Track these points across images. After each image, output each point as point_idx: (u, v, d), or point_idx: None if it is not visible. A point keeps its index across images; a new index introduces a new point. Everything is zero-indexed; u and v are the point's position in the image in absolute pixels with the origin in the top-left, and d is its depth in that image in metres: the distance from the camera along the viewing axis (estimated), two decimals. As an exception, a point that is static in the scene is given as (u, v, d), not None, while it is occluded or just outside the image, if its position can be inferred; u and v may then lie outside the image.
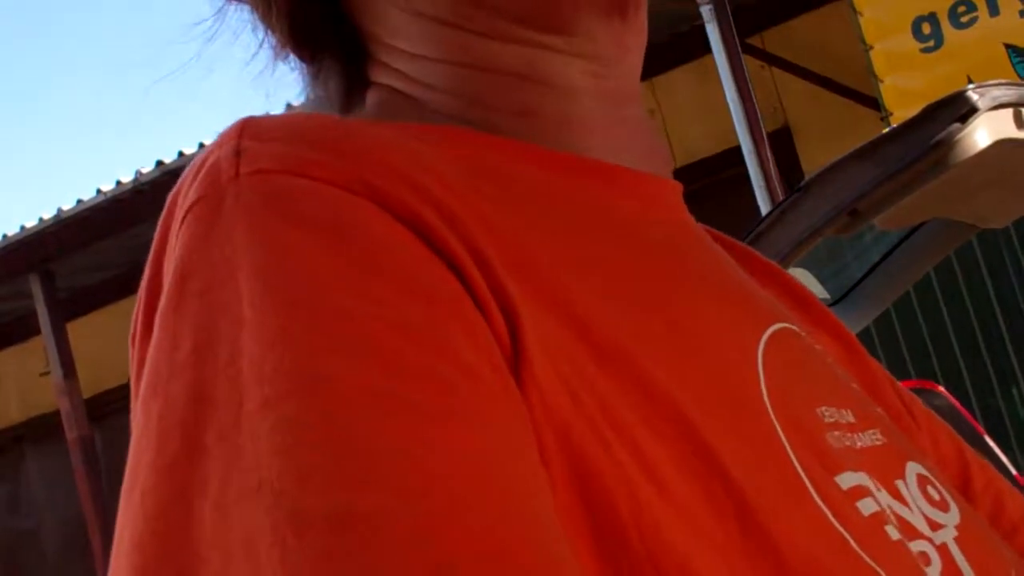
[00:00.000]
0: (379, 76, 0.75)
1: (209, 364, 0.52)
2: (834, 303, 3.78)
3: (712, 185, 8.23)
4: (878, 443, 0.71)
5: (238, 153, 0.58)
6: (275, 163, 0.57)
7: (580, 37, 0.72)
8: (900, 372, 7.82)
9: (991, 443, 3.69)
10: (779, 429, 0.63)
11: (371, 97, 0.76)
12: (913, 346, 8.27)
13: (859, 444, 0.69)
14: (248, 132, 0.59)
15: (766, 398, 0.63)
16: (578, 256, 0.63)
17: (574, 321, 0.58)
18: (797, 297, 0.86)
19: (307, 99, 0.81)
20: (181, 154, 8.00)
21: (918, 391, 3.67)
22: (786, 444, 0.62)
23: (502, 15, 0.70)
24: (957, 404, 3.73)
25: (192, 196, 0.58)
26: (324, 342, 0.51)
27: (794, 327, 0.73)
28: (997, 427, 8.01)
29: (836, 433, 0.67)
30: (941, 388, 3.81)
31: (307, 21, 0.75)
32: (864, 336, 7.73)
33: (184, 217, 0.57)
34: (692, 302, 0.67)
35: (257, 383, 0.51)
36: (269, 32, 0.76)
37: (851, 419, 0.70)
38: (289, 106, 0.93)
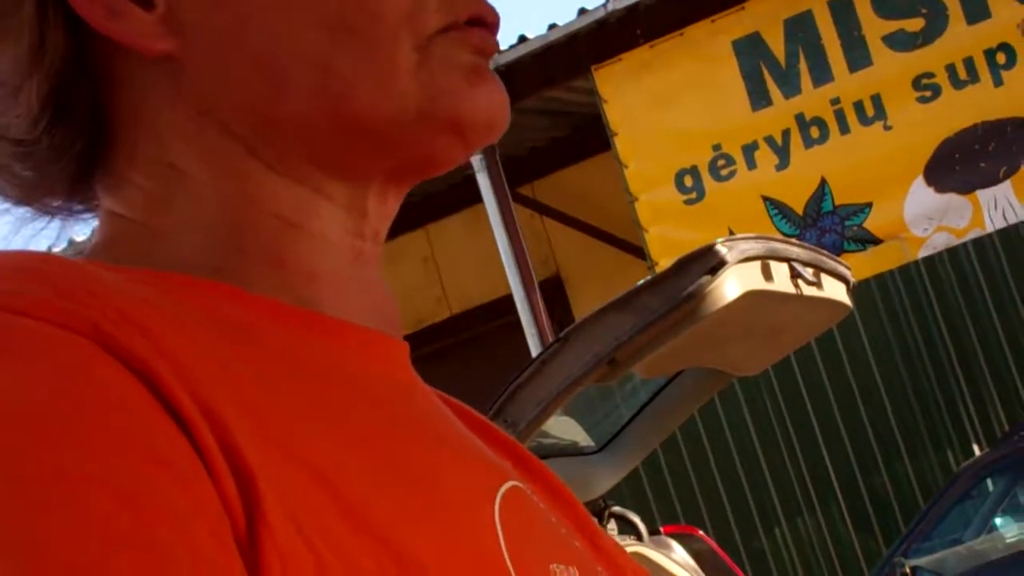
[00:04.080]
0: (113, 202, 0.72)
1: None
2: (599, 449, 3.83)
3: (486, 332, 8.32)
4: None
5: None
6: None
7: (359, 190, 0.72)
8: (670, 516, 7.94)
9: (750, 586, 3.77)
10: None
11: (103, 229, 0.72)
12: (682, 491, 8.42)
13: None
14: None
15: (507, 557, 0.64)
16: (320, 414, 0.62)
17: (321, 480, 0.57)
18: (516, 455, 0.87)
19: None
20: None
21: (679, 535, 3.73)
22: None
23: (298, 149, 0.70)
24: (716, 548, 3.81)
25: None
26: (32, 501, 0.49)
27: (521, 485, 0.74)
28: (762, 568, 8.18)
29: None
30: (701, 532, 3.89)
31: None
32: (634, 481, 7.87)
33: None
34: (428, 459, 0.67)
35: None
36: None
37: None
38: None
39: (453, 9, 0.71)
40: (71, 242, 0.85)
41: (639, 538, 3.55)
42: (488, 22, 0.72)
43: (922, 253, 6.31)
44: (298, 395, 0.62)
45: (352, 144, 0.70)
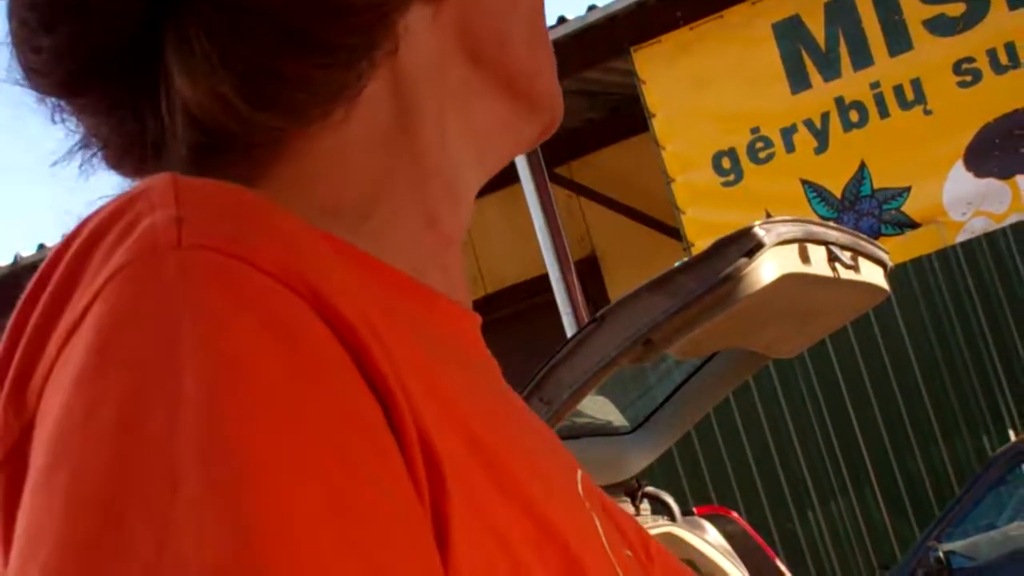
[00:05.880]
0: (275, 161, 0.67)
1: (135, 438, 0.48)
2: (633, 430, 3.85)
3: (521, 311, 8.33)
4: None
5: (179, 221, 0.53)
6: (222, 243, 0.53)
7: (496, 167, 0.75)
8: (703, 497, 7.95)
9: (782, 567, 3.78)
10: (619, 571, 0.68)
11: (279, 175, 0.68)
12: (715, 472, 8.42)
13: None
14: (185, 198, 0.55)
15: (603, 537, 0.67)
16: (461, 387, 0.62)
17: (477, 450, 0.58)
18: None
19: None
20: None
21: (712, 516, 3.75)
22: None
23: (492, 112, 0.72)
24: (749, 529, 3.82)
25: (120, 259, 0.53)
26: (274, 452, 0.48)
27: (586, 472, 0.75)
28: (795, 551, 8.18)
29: None
30: (735, 514, 3.90)
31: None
32: (667, 461, 7.87)
33: (108, 279, 0.52)
34: (529, 439, 0.68)
35: (201, 465, 0.47)
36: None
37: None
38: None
39: None
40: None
41: (672, 519, 3.57)
42: None
43: (960, 238, 6.28)
44: (441, 367, 0.62)
45: (521, 110, 0.74)
